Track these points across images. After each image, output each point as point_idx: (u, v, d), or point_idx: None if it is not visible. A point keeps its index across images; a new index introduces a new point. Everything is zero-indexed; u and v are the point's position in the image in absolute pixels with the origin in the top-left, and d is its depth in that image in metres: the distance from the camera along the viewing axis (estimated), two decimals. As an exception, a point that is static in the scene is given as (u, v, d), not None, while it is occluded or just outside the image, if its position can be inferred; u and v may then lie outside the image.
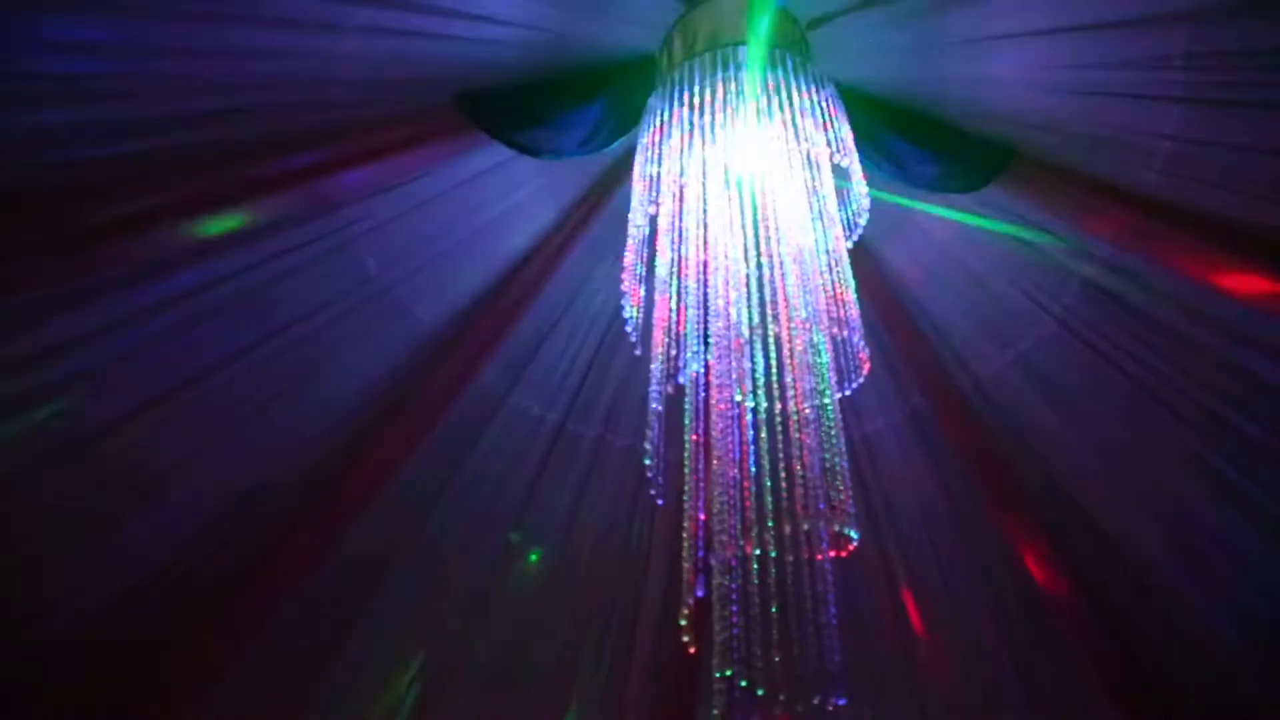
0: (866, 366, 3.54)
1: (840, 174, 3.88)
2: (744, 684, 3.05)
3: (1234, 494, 4.44)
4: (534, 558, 4.26)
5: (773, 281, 3.46)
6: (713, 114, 3.70)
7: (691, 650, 3.29)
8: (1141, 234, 4.10)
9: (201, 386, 4.33)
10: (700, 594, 3.14)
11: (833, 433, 3.27)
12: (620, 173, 4.69)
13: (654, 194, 3.60)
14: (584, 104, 4.16)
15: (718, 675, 3.09)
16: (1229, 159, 3.92)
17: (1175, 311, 4.29)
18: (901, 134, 4.30)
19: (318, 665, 4.96)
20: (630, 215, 3.77)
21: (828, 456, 3.19)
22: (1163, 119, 3.95)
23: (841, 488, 3.14)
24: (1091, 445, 4.76)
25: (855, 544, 3.21)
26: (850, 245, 3.78)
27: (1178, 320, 4.31)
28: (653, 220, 3.84)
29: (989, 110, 4.32)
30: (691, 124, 3.70)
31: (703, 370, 3.41)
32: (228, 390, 4.41)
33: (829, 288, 3.51)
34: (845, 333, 3.45)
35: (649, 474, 3.40)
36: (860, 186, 3.71)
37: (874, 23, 4.26)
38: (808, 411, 3.19)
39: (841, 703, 3.04)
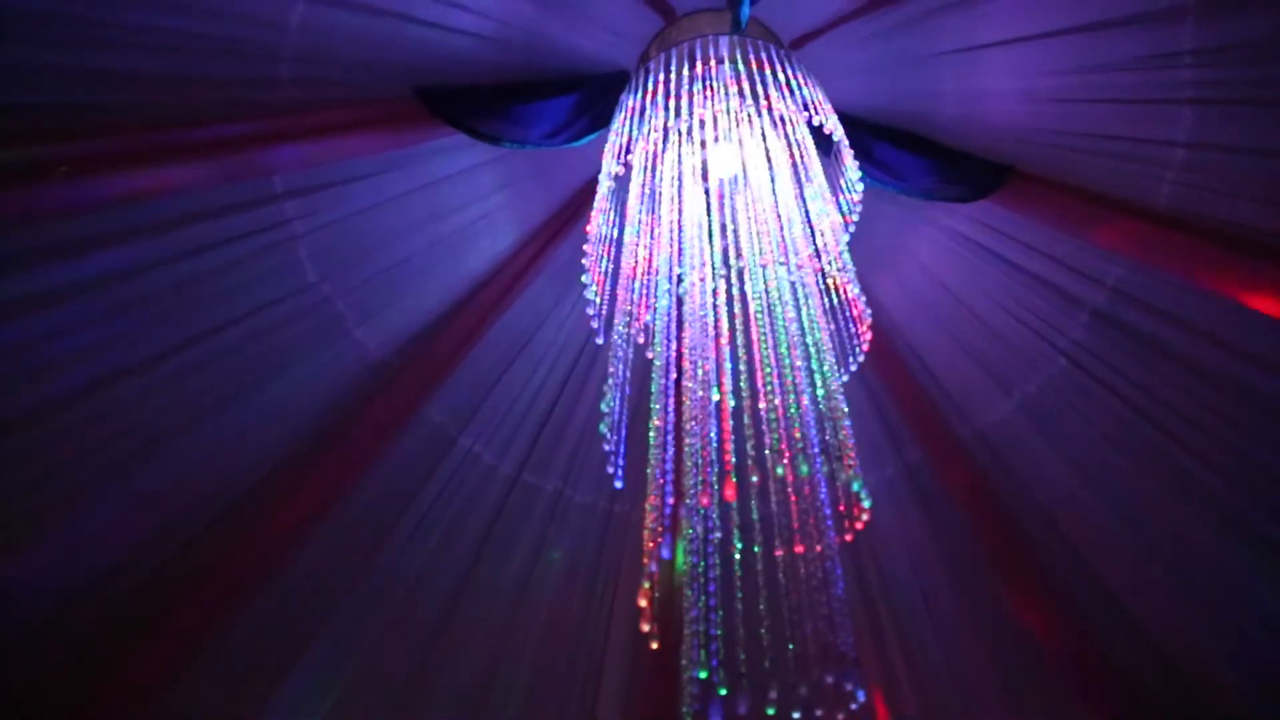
0: (868, 336, 3.13)
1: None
2: (723, 692, 2.48)
3: (1268, 549, 3.97)
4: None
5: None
6: (689, 95, 3.44)
7: (654, 646, 2.72)
8: (1155, 245, 3.81)
9: (110, 393, 3.82)
10: (666, 555, 2.61)
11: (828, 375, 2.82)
12: (591, 195, 4.41)
13: (623, 156, 3.28)
14: (553, 98, 3.90)
15: (687, 676, 2.52)
16: (1250, 165, 3.69)
17: (1195, 340, 3.99)
18: (893, 144, 4.06)
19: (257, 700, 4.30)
20: (598, 188, 3.45)
21: (823, 401, 2.74)
22: (1174, 123, 3.76)
23: (844, 436, 2.67)
24: (1104, 498, 4.36)
25: (868, 514, 2.72)
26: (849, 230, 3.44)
27: (1199, 350, 4.00)
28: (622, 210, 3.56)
29: (985, 124, 4.12)
30: (666, 104, 3.43)
31: (673, 306, 3.00)
32: (142, 401, 3.92)
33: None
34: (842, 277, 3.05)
35: (607, 448, 2.90)
36: (850, 164, 3.41)
37: (860, 38, 4.12)
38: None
39: (860, 696, 2.48)
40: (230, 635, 4.13)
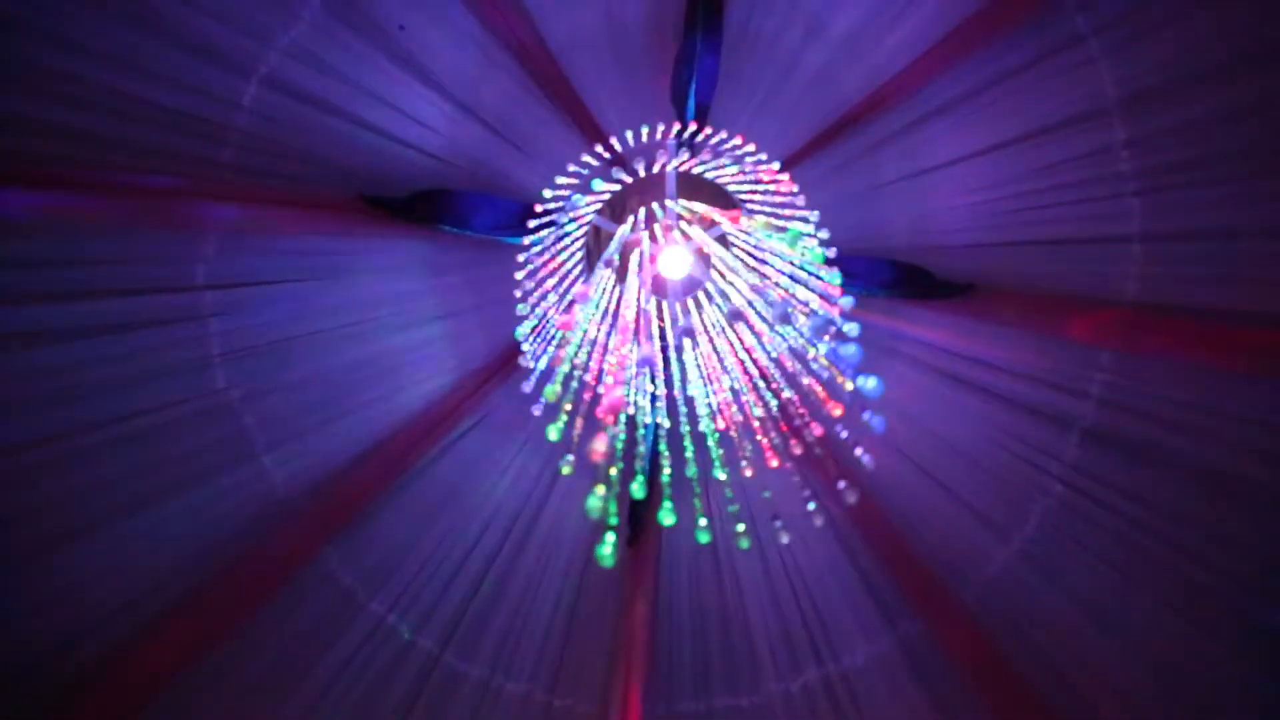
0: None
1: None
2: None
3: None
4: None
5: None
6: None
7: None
8: (1130, 327, 3.82)
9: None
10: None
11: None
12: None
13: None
14: (498, 198, 4.07)
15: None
16: (1208, 248, 3.83)
17: (1192, 440, 3.87)
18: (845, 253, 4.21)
19: None
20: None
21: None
22: (1125, 217, 3.95)
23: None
24: (1126, 643, 3.97)
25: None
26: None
27: (1198, 451, 3.86)
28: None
29: (938, 245, 4.30)
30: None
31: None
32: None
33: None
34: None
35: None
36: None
37: (806, 182, 4.41)
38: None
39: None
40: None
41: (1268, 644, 3.70)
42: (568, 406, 3.08)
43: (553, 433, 2.65)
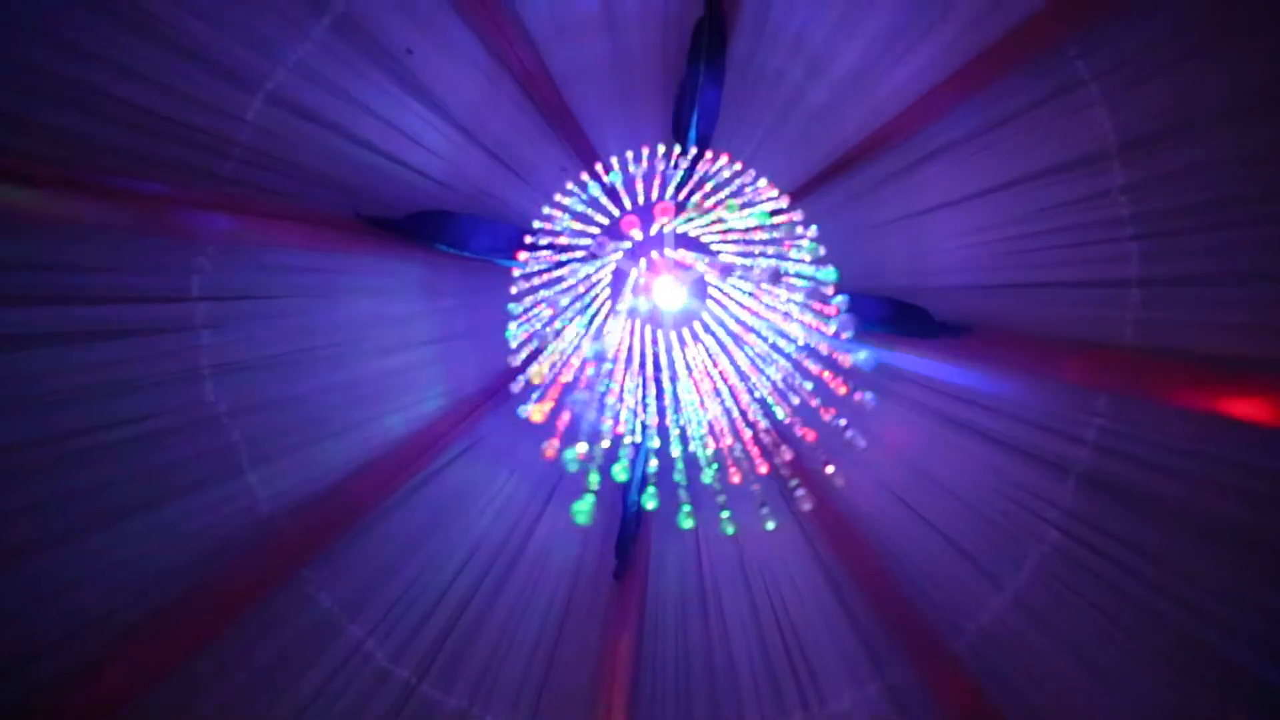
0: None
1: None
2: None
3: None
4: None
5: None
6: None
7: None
8: (1126, 369, 3.80)
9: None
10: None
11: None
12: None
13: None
14: (495, 223, 4.11)
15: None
16: (1206, 293, 3.83)
17: (1188, 487, 3.82)
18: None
19: None
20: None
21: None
22: (1123, 261, 3.97)
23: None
24: (1117, 693, 3.93)
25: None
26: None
27: (1194, 498, 3.80)
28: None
29: (937, 287, 4.31)
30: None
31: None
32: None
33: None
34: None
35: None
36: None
37: (810, 217, 4.46)
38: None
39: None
40: None
41: (1264, 698, 3.61)
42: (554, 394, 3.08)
43: (536, 413, 2.64)
